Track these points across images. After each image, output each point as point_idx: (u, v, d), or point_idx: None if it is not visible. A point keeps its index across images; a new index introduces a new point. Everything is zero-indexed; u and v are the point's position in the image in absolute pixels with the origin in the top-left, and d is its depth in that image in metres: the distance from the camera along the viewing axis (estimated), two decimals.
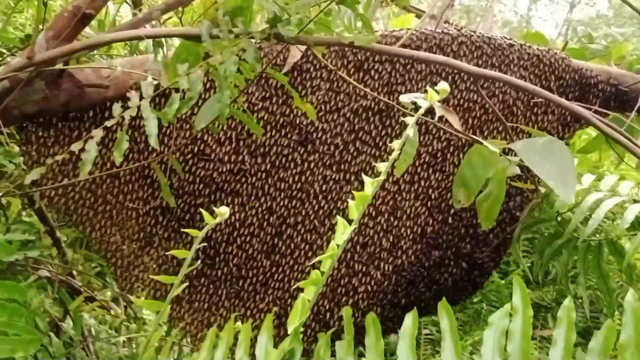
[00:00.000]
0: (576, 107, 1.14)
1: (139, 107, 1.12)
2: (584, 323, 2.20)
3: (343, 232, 0.85)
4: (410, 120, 0.96)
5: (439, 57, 1.07)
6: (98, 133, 1.14)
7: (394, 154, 0.91)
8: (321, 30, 1.11)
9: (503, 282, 2.70)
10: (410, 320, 0.88)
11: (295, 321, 0.82)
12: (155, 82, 1.16)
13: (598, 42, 3.13)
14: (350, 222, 0.88)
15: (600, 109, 1.55)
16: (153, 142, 1.08)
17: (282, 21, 1.07)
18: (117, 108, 1.14)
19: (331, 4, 1.06)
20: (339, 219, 0.90)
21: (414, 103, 1.10)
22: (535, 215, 1.46)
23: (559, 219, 1.44)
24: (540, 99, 1.17)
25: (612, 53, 2.21)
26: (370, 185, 0.87)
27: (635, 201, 1.22)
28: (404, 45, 1.35)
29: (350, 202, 0.89)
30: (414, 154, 1.04)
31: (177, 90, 1.09)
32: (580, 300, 1.75)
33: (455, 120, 1.12)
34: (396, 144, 0.90)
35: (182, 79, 1.10)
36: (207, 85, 1.37)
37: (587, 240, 1.35)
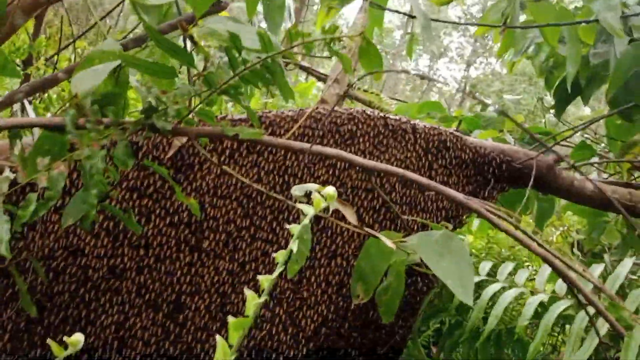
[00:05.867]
0: (465, 198, 1.11)
1: None
2: None
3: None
4: (304, 219, 0.88)
5: (331, 151, 1.00)
6: None
7: (282, 256, 0.82)
8: (203, 119, 1.02)
9: None
10: None
11: None
12: (12, 176, 1.02)
13: (492, 106, 3.29)
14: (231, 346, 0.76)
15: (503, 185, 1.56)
16: (3, 250, 0.93)
17: (159, 112, 0.97)
18: None
19: (213, 94, 0.98)
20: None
21: (306, 195, 1.03)
22: (435, 304, 1.41)
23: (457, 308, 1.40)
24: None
25: (505, 123, 2.31)
26: (252, 303, 0.77)
27: (532, 293, 1.19)
28: (294, 135, 1.29)
29: (231, 319, 0.78)
30: (307, 254, 0.95)
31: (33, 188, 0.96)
32: None
33: (351, 214, 1.05)
34: (293, 245, 0.81)
35: (41, 174, 0.96)
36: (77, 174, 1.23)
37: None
